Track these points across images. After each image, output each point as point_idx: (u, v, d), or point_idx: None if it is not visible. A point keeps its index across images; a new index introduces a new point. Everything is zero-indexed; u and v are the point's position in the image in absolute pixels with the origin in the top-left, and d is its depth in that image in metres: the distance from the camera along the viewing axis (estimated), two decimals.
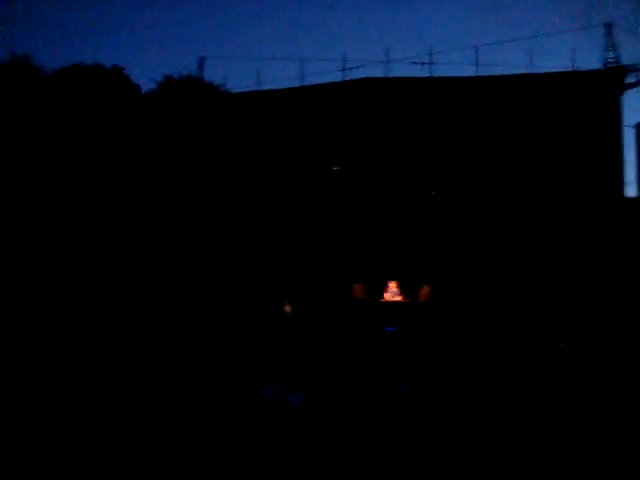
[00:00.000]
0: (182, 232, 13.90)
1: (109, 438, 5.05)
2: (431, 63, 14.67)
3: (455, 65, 15.27)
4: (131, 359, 8.69)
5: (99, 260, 13.13)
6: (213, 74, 17.39)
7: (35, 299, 12.24)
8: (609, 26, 14.96)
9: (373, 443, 4.99)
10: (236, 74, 15.80)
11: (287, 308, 14.94)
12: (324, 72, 14.94)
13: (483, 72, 14.70)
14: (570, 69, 14.79)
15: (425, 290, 14.48)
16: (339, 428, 5.28)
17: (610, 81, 14.67)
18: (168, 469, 4.45)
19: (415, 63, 14.69)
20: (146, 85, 15.42)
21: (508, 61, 17.30)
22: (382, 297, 14.02)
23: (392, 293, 14.01)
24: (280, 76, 15.28)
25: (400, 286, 14.04)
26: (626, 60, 14.83)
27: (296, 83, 14.91)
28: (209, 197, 14.38)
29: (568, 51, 14.78)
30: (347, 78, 14.81)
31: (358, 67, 14.81)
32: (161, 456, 4.66)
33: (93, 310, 11.87)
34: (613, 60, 14.74)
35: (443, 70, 15.30)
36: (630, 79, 14.65)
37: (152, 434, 5.18)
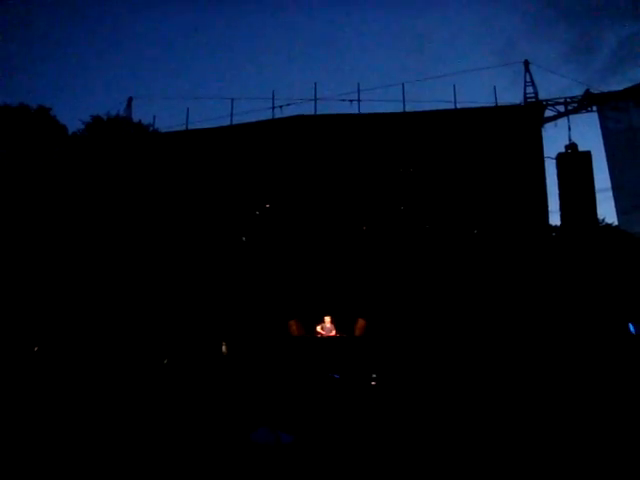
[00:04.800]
0: (112, 274, 13.59)
1: None
2: (359, 100, 15.00)
3: (382, 102, 15.64)
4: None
5: None
6: (142, 114, 17.19)
7: None
8: (527, 63, 15.69)
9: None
10: (165, 113, 15.73)
11: (223, 348, 14.68)
12: (253, 110, 15.07)
13: (410, 108, 15.11)
14: (492, 104, 15.38)
15: (360, 324, 14.52)
16: (325, 460, 6.30)
17: (530, 115, 15.30)
18: None
19: (343, 100, 14.98)
20: (74, 126, 15.19)
21: (433, 97, 17.92)
22: (318, 333, 13.97)
23: (328, 328, 13.97)
24: (209, 115, 15.28)
25: (336, 321, 14.03)
26: (544, 95, 15.61)
27: (226, 122, 14.96)
28: (140, 237, 14.13)
29: (490, 87, 15.32)
30: (277, 116, 14.98)
31: (288, 105, 15.02)
32: None
33: None
34: (532, 95, 15.43)
35: (371, 106, 15.66)
36: (548, 113, 15.38)
37: None
